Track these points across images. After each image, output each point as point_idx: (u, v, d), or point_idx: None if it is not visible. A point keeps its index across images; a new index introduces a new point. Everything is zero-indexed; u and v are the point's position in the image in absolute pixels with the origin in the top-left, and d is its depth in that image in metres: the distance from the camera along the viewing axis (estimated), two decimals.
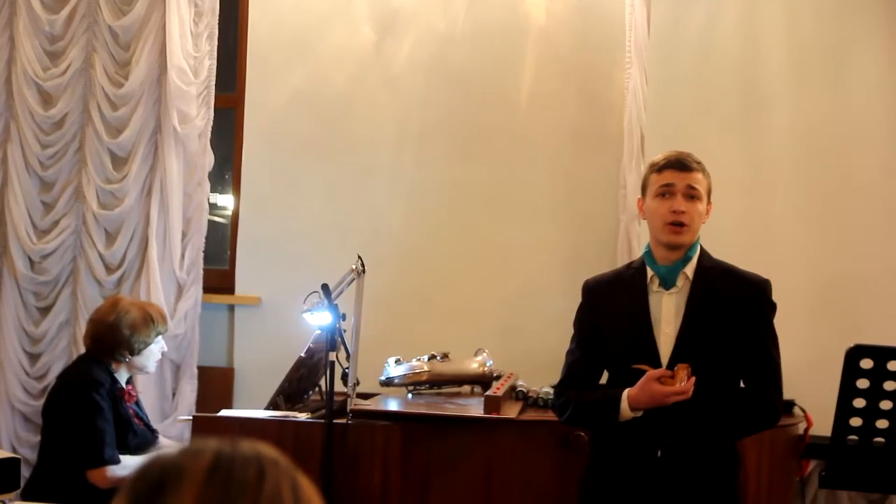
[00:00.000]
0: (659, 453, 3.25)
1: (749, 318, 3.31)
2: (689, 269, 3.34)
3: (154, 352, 4.33)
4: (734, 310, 3.31)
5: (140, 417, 4.40)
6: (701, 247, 3.39)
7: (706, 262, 3.37)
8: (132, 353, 4.25)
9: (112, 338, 4.24)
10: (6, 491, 4.03)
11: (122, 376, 4.29)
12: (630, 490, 3.29)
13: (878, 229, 5.12)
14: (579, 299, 3.51)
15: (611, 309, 3.40)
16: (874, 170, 5.13)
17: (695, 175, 3.32)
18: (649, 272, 3.36)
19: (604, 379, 3.50)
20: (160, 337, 4.35)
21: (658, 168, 3.36)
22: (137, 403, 4.43)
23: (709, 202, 3.38)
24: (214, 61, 5.50)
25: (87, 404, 4.10)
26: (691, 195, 3.31)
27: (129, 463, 4.11)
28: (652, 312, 3.32)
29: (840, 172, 5.15)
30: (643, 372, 3.24)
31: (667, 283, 3.34)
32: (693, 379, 3.15)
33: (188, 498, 1.21)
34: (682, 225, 3.29)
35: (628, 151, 5.28)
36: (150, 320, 4.29)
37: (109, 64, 5.45)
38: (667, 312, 3.32)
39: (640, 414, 3.24)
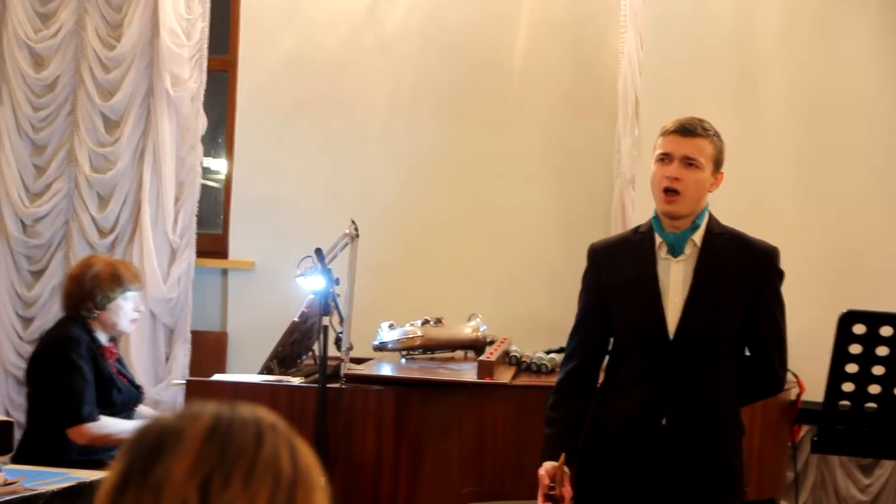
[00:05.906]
0: (664, 421, 3.24)
1: (756, 285, 3.28)
2: (698, 237, 3.28)
3: (124, 309, 4.22)
4: (742, 277, 3.27)
5: (124, 374, 4.36)
6: (710, 214, 3.34)
7: (715, 228, 3.32)
8: (96, 308, 4.18)
9: (77, 292, 4.19)
10: (0, 454, 4.03)
11: (101, 336, 4.24)
12: (634, 457, 3.27)
13: (875, 195, 5.10)
14: (573, 264, 3.48)
15: (617, 274, 3.34)
16: (871, 136, 5.10)
17: (697, 142, 3.25)
18: (657, 238, 3.30)
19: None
20: (131, 294, 4.24)
21: (662, 133, 3.31)
22: (120, 361, 4.38)
23: (719, 171, 3.33)
24: (207, 23, 5.47)
25: (64, 363, 4.07)
26: (689, 163, 3.26)
27: (109, 422, 4.10)
28: (660, 280, 3.27)
29: (837, 138, 5.12)
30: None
31: (675, 250, 3.28)
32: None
33: (186, 460, 1.21)
34: (675, 192, 3.25)
35: (623, 116, 5.26)
36: (117, 276, 4.20)
37: (101, 26, 5.42)
38: (675, 280, 3.26)
39: None
